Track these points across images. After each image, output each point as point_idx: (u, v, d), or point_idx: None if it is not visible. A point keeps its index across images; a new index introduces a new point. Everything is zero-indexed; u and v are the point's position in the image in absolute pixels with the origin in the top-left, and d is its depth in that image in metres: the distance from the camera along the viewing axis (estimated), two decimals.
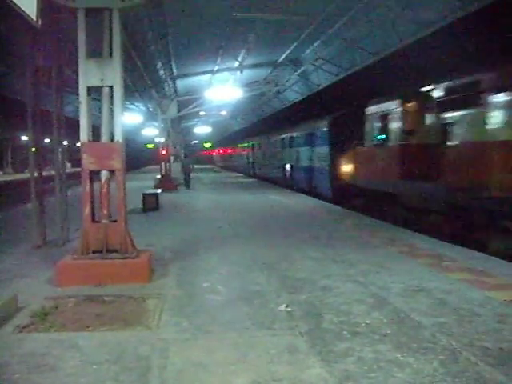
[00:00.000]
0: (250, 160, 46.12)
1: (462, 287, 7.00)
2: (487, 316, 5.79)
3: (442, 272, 7.90)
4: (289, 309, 5.91)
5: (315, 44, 19.19)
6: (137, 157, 67.95)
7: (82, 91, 7.57)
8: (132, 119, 31.02)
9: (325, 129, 22.09)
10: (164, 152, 28.68)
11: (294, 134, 28.33)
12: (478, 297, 6.53)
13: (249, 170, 46.34)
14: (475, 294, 6.64)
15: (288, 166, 29.33)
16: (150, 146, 62.27)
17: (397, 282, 7.35)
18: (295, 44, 19.19)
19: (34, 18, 6.19)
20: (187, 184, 28.86)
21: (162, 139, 29.06)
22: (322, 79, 23.59)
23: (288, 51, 20.66)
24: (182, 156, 40.64)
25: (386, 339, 5.13)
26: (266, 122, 45.86)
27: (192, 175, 31.17)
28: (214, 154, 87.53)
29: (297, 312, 6.03)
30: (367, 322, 5.67)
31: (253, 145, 44.95)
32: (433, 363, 4.53)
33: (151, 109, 32.23)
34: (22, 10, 5.31)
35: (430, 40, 15.99)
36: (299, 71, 23.58)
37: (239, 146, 55.11)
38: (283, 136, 31.55)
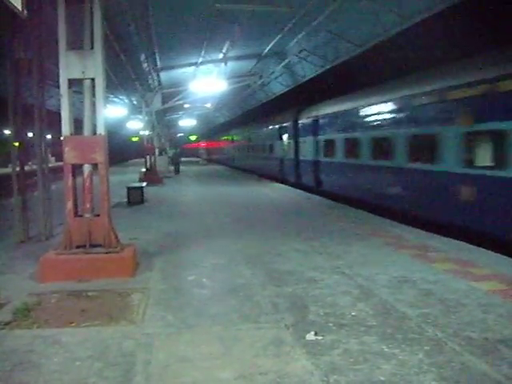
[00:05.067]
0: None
1: (447, 278, 7.03)
2: (472, 306, 5.82)
3: (427, 263, 7.93)
4: (319, 337, 5.05)
5: (299, 36, 19.06)
6: (121, 150, 67.55)
7: (63, 84, 7.47)
8: (116, 112, 30.72)
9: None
10: (149, 145, 28.51)
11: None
12: (463, 287, 6.56)
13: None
14: (460, 285, 6.67)
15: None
16: (135, 139, 61.82)
17: (382, 273, 7.37)
18: (279, 36, 19.06)
19: (20, 8, 6.08)
20: (177, 170, 35.85)
21: (147, 132, 28.86)
22: (306, 71, 23.54)
23: (272, 43, 20.52)
24: (168, 149, 41.08)
25: (372, 331, 5.13)
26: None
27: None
28: (200, 146, 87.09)
29: (282, 305, 6.01)
30: (353, 313, 5.67)
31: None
32: (418, 354, 4.54)
33: (135, 102, 31.93)
34: (8, 1, 5.19)
35: (413, 31, 16.01)
36: (284, 63, 23.49)
37: (222, 138, 56.55)
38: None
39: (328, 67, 21.26)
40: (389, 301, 6.09)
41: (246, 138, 39.76)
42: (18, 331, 5.31)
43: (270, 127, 30.31)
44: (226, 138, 53.34)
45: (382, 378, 4.10)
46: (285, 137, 26.44)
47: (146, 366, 4.42)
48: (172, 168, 35.74)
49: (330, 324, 5.35)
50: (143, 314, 5.76)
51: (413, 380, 4.07)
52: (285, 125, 26.54)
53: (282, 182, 25.87)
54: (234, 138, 46.74)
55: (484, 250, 8.89)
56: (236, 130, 47.41)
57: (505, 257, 8.33)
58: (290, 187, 23.08)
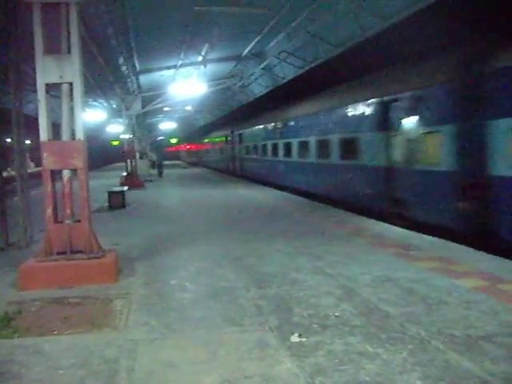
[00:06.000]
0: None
1: (429, 276, 7.08)
2: (455, 304, 5.87)
3: (409, 261, 7.98)
4: (304, 339, 5.03)
5: (279, 37, 19.13)
6: (102, 154, 67.10)
7: (41, 89, 7.36)
8: (95, 116, 30.48)
9: None
10: (129, 148, 28.33)
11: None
12: (445, 285, 6.61)
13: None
14: (442, 283, 6.72)
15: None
16: (116, 142, 61.45)
17: (365, 272, 7.39)
18: (259, 37, 19.09)
19: None
20: (160, 174, 35.71)
21: (127, 136, 28.69)
22: (286, 72, 23.58)
23: (251, 45, 20.54)
24: (149, 152, 41.23)
25: (356, 331, 5.14)
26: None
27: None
28: (181, 149, 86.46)
29: (266, 307, 6.00)
30: (336, 314, 5.68)
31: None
32: (402, 353, 4.56)
33: (115, 105, 31.72)
34: None
35: (391, 32, 16.12)
36: (263, 64, 23.51)
37: (212, 139, 47.88)
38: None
39: (307, 68, 21.31)
40: (372, 300, 6.11)
41: (272, 134, 25.29)
42: None
43: (348, 109, 15.92)
44: (215, 139, 43.94)
45: (367, 379, 4.11)
46: (407, 122, 12.43)
47: (129, 372, 4.37)
48: (154, 171, 35.74)
49: (314, 325, 5.35)
50: (126, 320, 5.71)
51: (397, 379, 4.08)
52: (408, 95, 12.29)
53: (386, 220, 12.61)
54: (243, 136, 33.20)
55: (465, 247, 8.97)
56: (248, 123, 32.63)
57: (485, 253, 8.42)
58: (272, 189, 22.90)
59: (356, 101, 15.32)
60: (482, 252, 8.54)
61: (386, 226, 11.52)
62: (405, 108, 12.44)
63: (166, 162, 53.18)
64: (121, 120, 30.77)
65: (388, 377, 4.12)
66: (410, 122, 12.29)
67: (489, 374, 4.10)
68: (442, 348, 4.64)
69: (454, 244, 9.26)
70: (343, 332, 5.12)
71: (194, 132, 72.44)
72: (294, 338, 4.99)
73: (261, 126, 28.39)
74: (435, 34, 22.25)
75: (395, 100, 12.88)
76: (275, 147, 24.54)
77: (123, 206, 16.85)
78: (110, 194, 16.99)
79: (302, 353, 4.65)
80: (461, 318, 5.39)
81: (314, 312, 5.77)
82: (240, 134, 34.04)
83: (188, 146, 76.26)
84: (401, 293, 6.37)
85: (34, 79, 7.45)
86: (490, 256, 8.26)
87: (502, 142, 9.22)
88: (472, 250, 8.76)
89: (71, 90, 7.48)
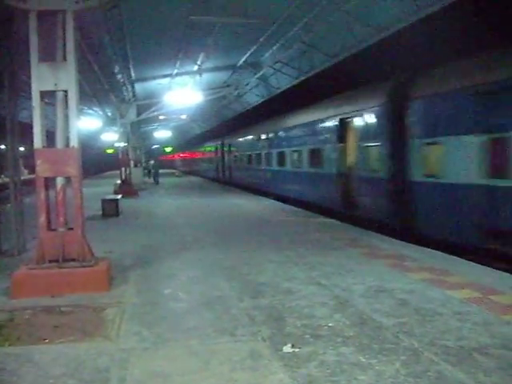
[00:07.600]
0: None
1: (423, 287, 7.07)
2: (448, 315, 5.86)
3: (403, 272, 7.97)
4: (296, 349, 4.98)
5: (274, 47, 19.23)
6: (96, 162, 66.98)
7: (35, 96, 7.35)
8: (90, 124, 30.46)
9: None
10: (124, 157, 28.27)
11: None
12: (438, 296, 6.61)
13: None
14: (436, 294, 6.72)
15: None
16: (110, 150, 61.29)
17: (359, 283, 7.38)
18: (254, 47, 19.18)
19: None
20: (156, 181, 37.51)
21: (122, 144, 28.64)
22: (281, 82, 23.66)
23: (247, 54, 20.63)
24: (143, 161, 41.50)
25: (349, 341, 5.12)
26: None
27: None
28: (176, 158, 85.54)
29: (259, 317, 5.98)
30: (330, 324, 5.66)
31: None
32: (395, 364, 4.54)
33: (110, 113, 31.72)
34: None
35: (385, 43, 16.22)
36: (259, 74, 23.59)
37: (213, 148, 42.76)
38: None
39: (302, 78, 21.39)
40: (365, 311, 6.10)
41: None
42: None
43: None
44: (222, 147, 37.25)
45: None
46: None
47: (121, 382, 4.33)
48: (147, 179, 35.82)
49: (307, 336, 5.33)
50: (118, 329, 5.67)
51: None
52: None
53: None
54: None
55: (458, 258, 8.99)
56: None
57: (478, 265, 8.43)
58: (266, 198, 22.87)
59: None
60: (474, 263, 8.56)
61: (380, 236, 11.52)
62: None
63: (161, 171, 53.21)
64: (115, 128, 30.74)
65: None
66: None
67: None
68: (435, 359, 4.63)
69: (448, 255, 9.27)
70: (336, 343, 5.10)
71: (188, 141, 71.61)
72: (287, 349, 4.97)
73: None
74: (429, 45, 22.41)
75: None
76: None
77: (117, 214, 16.81)
78: (104, 202, 16.94)
79: (295, 363, 4.63)
80: (454, 329, 5.38)
81: (307, 322, 5.75)
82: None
83: (183, 155, 74.59)
84: (394, 304, 6.36)
85: (29, 86, 7.44)
86: (483, 267, 8.27)
87: None
88: (465, 261, 8.78)
89: (66, 97, 7.47)
